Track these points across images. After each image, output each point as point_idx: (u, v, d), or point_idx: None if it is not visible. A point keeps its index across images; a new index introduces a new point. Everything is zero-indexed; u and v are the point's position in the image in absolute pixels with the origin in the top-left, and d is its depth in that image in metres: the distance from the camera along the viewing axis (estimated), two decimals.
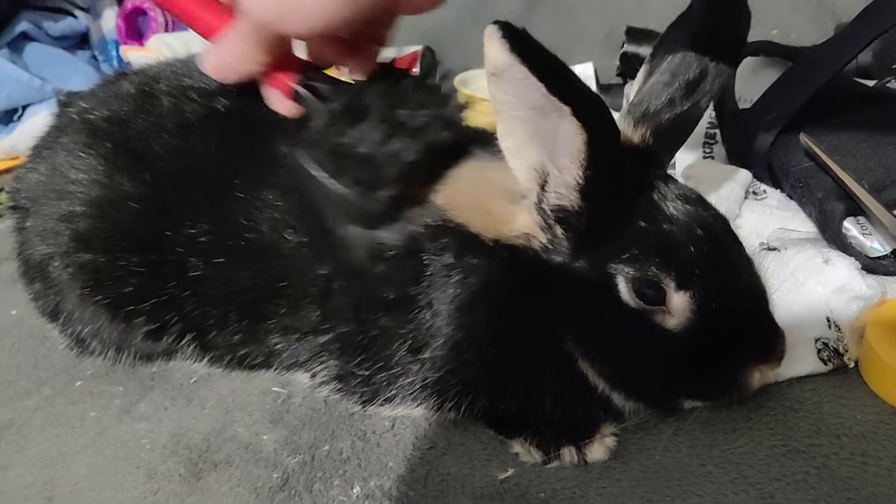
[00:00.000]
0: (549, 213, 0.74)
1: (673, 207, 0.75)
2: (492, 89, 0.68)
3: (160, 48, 1.88)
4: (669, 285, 0.73)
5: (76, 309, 0.97)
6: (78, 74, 1.89)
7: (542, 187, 0.73)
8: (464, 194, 0.80)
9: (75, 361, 1.05)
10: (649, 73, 0.84)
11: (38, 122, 1.55)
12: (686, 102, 0.81)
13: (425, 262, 0.80)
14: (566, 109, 0.64)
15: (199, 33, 0.84)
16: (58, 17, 2.00)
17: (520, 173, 0.74)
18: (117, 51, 2.03)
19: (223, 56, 0.82)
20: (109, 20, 2.06)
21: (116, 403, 0.98)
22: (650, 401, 0.82)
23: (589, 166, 0.68)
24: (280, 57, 0.81)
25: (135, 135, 0.93)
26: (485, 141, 0.82)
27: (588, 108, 0.66)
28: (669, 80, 0.82)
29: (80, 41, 2.06)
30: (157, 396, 0.98)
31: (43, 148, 1.01)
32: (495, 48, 0.63)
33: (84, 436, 0.93)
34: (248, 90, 0.89)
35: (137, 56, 1.88)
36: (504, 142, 0.72)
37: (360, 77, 0.84)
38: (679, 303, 0.73)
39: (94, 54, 2.06)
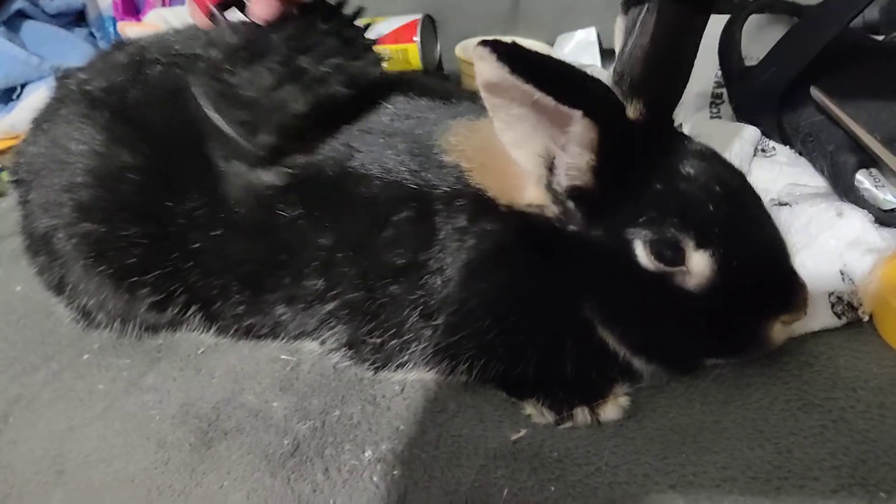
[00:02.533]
0: (560, 192, 0.73)
1: (689, 166, 0.73)
2: (486, 97, 0.67)
3: (158, 23, 1.87)
4: (688, 244, 0.71)
5: (81, 281, 0.96)
6: (75, 52, 1.87)
7: (550, 169, 0.72)
8: (481, 153, 0.79)
9: (82, 335, 1.05)
10: (626, 38, 0.79)
11: (36, 100, 1.53)
12: (670, 60, 0.77)
13: (437, 227, 0.79)
14: (577, 113, 0.64)
15: None
16: None
17: (524, 161, 0.72)
18: (114, 27, 2.02)
19: None
20: None
21: (124, 376, 0.97)
22: (673, 363, 0.81)
23: (602, 151, 0.68)
24: None
25: (131, 104, 0.92)
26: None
27: (598, 104, 0.66)
28: (648, 44, 0.76)
29: (76, 18, 2.05)
30: (164, 367, 0.98)
31: (43, 121, 1.00)
32: (491, 69, 0.63)
33: (93, 409, 0.93)
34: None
35: (135, 32, 1.86)
36: (504, 136, 0.71)
37: (262, 17, 0.85)
38: (699, 262, 0.72)
39: (92, 31, 2.05)
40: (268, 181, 0.83)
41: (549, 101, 0.63)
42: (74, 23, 2.04)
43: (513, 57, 0.62)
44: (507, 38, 0.71)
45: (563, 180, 0.72)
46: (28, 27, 1.90)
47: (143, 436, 0.87)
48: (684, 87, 0.80)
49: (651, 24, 0.75)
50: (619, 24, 0.79)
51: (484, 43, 0.62)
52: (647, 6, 0.76)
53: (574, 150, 0.69)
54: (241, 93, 0.79)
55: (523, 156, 0.72)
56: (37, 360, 1.03)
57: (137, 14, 2.03)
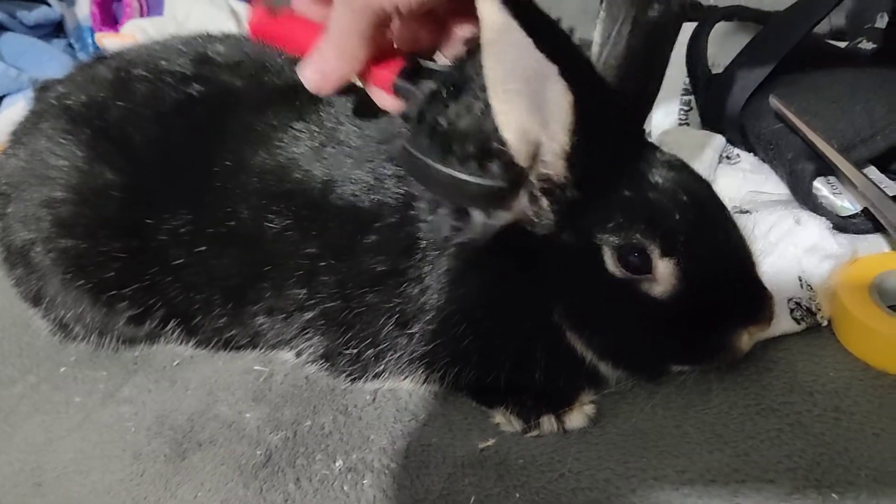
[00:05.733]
0: (535, 184, 0.73)
1: (657, 175, 0.74)
2: (487, 59, 0.66)
3: (135, 34, 1.87)
4: (654, 252, 0.72)
5: (58, 294, 0.97)
6: (54, 63, 1.87)
7: (534, 158, 0.72)
8: None
9: (59, 348, 1.06)
10: (601, 49, 0.78)
11: (15, 112, 1.53)
12: (644, 72, 0.78)
13: (419, 236, 0.80)
14: (553, 68, 0.63)
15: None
16: (32, 5, 1.97)
17: (513, 145, 0.71)
18: (93, 38, 2.01)
19: (322, 62, 0.77)
20: (84, 7, 2.04)
21: (101, 388, 0.98)
22: (639, 369, 0.82)
23: (575, 132, 0.68)
24: (378, 51, 0.77)
25: (113, 122, 0.93)
26: None
27: (576, 70, 0.65)
28: (623, 52, 0.76)
29: (55, 29, 2.04)
30: (140, 380, 0.99)
31: (22, 133, 1.01)
32: (490, 7, 0.62)
33: (70, 421, 0.94)
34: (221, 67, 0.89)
35: (113, 43, 1.86)
36: (498, 112, 0.69)
37: (455, 56, 0.79)
38: (665, 270, 0.73)
39: (70, 42, 2.04)
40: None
41: (530, 46, 0.62)
42: (53, 34, 2.03)
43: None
44: None
45: (539, 168, 0.72)
46: (6, 39, 1.89)
47: (119, 447, 0.88)
48: (656, 95, 0.81)
49: (625, 35, 0.76)
50: (598, 26, 0.78)
51: None
52: (623, 17, 0.76)
53: (553, 129, 0.68)
54: (458, 126, 0.72)
55: (513, 138, 0.71)
56: (14, 372, 1.04)
57: (115, 24, 2.03)
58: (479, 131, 0.71)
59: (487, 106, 0.71)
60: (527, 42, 0.62)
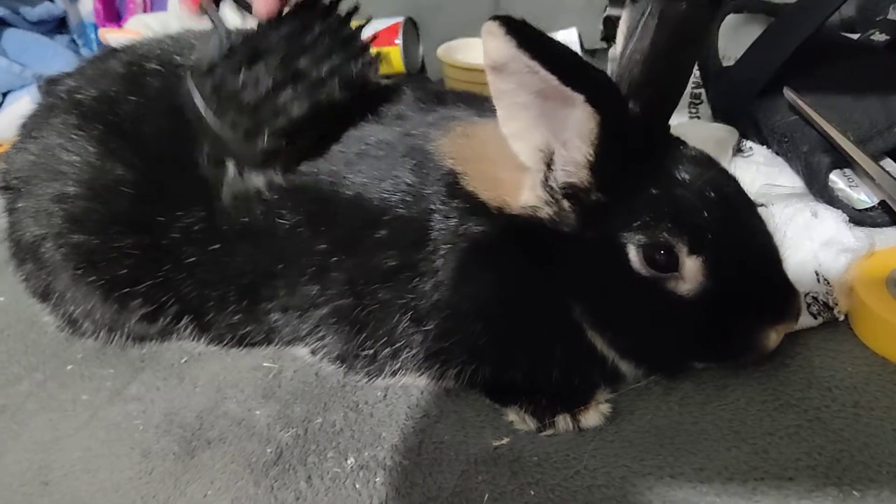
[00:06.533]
0: (556, 189, 0.73)
1: (684, 171, 0.73)
2: (492, 80, 0.67)
3: (139, 29, 1.86)
4: (682, 250, 0.71)
5: (68, 289, 0.96)
6: (57, 59, 1.86)
7: (549, 166, 0.72)
8: (474, 157, 0.79)
9: (66, 345, 1.05)
10: (627, 41, 0.78)
11: (19, 108, 1.52)
12: (669, 67, 0.77)
13: (430, 228, 0.79)
14: (579, 97, 0.64)
15: None
16: (35, 1, 1.97)
17: (524, 155, 0.72)
18: (96, 34, 2.01)
19: None
20: (87, 3, 2.03)
21: (108, 386, 0.97)
22: (662, 367, 0.82)
23: (600, 144, 0.68)
24: None
25: (125, 116, 0.92)
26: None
27: (600, 92, 0.66)
28: (648, 47, 0.76)
29: (58, 25, 2.03)
30: (148, 377, 0.98)
31: (32, 128, 0.99)
32: (499, 44, 0.62)
33: (77, 419, 0.93)
34: None
35: (116, 38, 1.86)
36: (506, 127, 0.71)
37: (265, 13, 0.83)
38: (692, 268, 0.72)
39: (73, 38, 2.03)
40: (260, 186, 0.83)
41: (552, 80, 0.63)
42: (56, 30, 2.02)
43: (522, 32, 0.62)
44: None
45: (560, 176, 0.72)
46: (9, 35, 1.88)
47: (127, 445, 0.87)
48: (682, 91, 0.80)
49: (651, 28, 0.75)
50: (624, 15, 0.79)
51: (494, 18, 0.62)
52: (649, 10, 0.76)
53: (574, 143, 0.69)
54: (240, 97, 0.77)
55: (524, 149, 0.72)
56: (21, 370, 1.03)
57: (119, 20, 2.02)
58: (256, 108, 0.78)
59: (277, 85, 0.77)
60: (543, 73, 0.63)
